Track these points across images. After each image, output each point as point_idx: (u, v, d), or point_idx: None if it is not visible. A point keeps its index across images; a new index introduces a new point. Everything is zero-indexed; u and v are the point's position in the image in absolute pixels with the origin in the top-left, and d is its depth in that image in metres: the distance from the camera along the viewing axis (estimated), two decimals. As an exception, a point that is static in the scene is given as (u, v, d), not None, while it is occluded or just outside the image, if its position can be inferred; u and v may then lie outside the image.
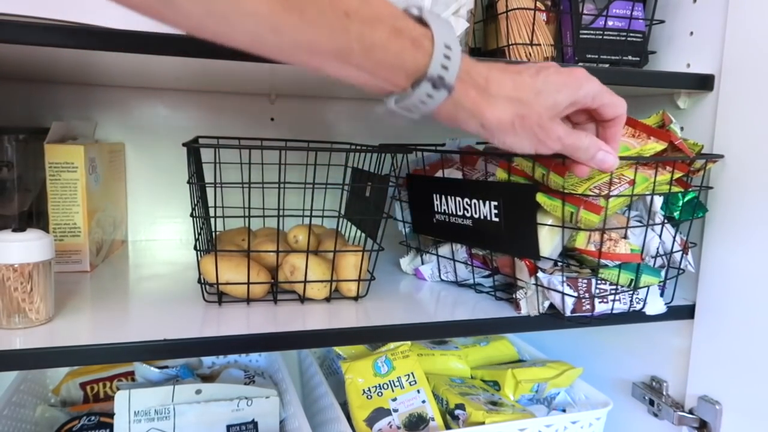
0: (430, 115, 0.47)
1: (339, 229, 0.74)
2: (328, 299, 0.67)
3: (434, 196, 0.73)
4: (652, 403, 0.78)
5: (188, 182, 0.64)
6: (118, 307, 0.62)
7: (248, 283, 0.63)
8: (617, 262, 0.63)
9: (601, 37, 0.75)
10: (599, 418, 0.75)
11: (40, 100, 0.90)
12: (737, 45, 0.66)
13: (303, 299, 0.66)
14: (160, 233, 0.99)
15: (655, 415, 0.78)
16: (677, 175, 0.64)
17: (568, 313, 0.63)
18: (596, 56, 0.75)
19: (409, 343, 0.81)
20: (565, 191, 0.59)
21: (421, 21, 0.45)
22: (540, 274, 0.64)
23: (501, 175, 0.66)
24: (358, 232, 0.77)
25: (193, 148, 0.66)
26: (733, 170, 0.67)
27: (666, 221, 0.67)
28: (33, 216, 0.80)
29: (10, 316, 0.54)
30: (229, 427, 0.76)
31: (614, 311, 0.65)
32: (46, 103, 0.90)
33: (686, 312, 0.73)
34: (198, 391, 0.76)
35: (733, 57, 0.67)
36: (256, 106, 1.00)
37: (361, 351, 0.87)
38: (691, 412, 0.73)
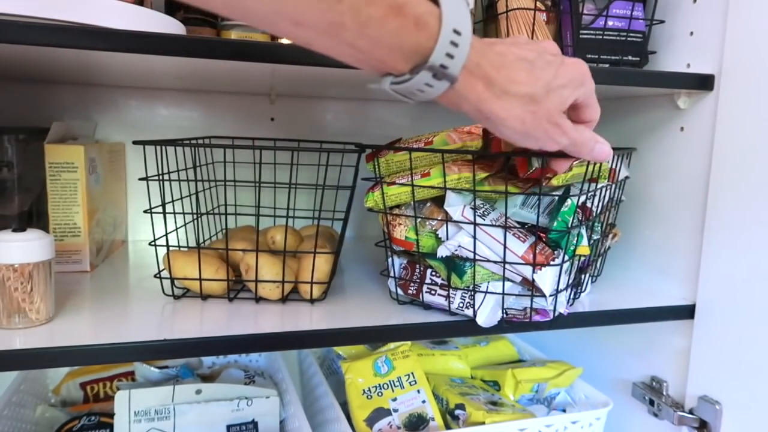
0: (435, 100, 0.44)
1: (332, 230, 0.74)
2: (283, 300, 0.66)
3: None
4: (652, 403, 0.78)
5: (142, 179, 0.64)
6: (118, 307, 0.62)
7: (200, 279, 0.63)
8: (402, 248, 0.63)
9: (601, 37, 0.75)
10: (599, 418, 0.75)
11: (40, 100, 0.90)
12: (737, 45, 0.66)
13: (257, 299, 0.66)
14: (160, 233, 0.98)
15: (655, 415, 0.78)
16: (482, 175, 0.60)
17: (397, 291, 0.66)
18: (596, 56, 0.75)
19: (409, 343, 0.81)
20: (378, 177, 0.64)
21: None
22: (395, 257, 0.67)
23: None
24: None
25: (151, 146, 0.67)
26: (733, 170, 0.67)
27: (492, 225, 0.60)
28: (33, 216, 0.80)
29: (10, 316, 0.54)
30: (229, 427, 0.76)
31: (438, 305, 0.63)
32: (46, 103, 0.90)
33: (686, 312, 0.73)
34: (198, 391, 0.76)
35: (733, 57, 0.67)
36: (256, 106, 1.00)
37: (362, 351, 0.87)
38: (691, 412, 0.73)
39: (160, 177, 0.63)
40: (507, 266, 0.59)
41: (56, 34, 0.50)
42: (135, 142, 0.63)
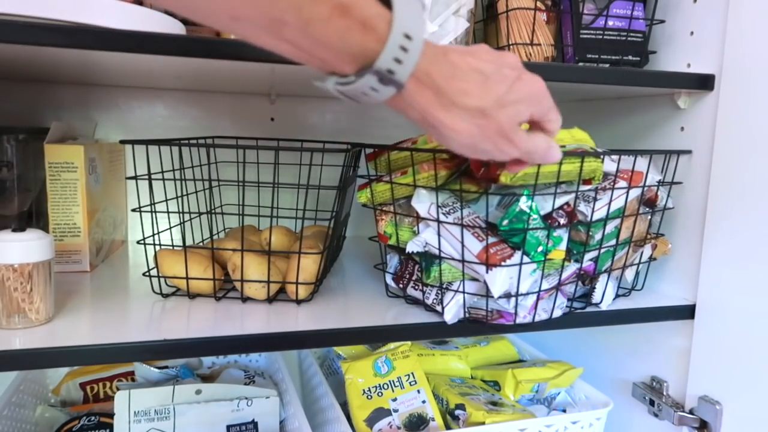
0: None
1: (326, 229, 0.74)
2: (269, 300, 0.66)
3: None
4: (652, 403, 0.78)
5: (131, 178, 0.65)
6: (118, 307, 0.62)
7: (187, 279, 0.64)
8: (383, 242, 0.66)
9: (601, 37, 0.75)
10: (599, 418, 0.75)
11: (40, 100, 0.90)
12: (737, 45, 0.66)
13: (243, 298, 0.66)
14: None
15: (656, 416, 0.78)
16: (443, 173, 0.60)
17: (390, 284, 0.68)
18: (596, 56, 0.75)
19: (409, 343, 0.81)
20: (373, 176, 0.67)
21: None
22: (392, 253, 0.69)
23: None
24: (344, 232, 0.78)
25: (152, 146, 0.67)
26: (733, 170, 0.67)
27: (454, 223, 0.60)
28: (33, 216, 0.80)
29: (10, 316, 0.54)
30: (229, 427, 0.76)
31: (415, 296, 0.65)
32: (46, 103, 0.90)
33: (686, 312, 0.72)
34: (198, 391, 0.76)
35: (733, 57, 0.67)
36: (256, 106, 1.00)
37: (362, 351, 0.87)
38: (691, 412, 0.73)
39: (149, 176, 0.63)
40: (466, 265, 0.59)
41: (56, 34, 0.50)
42: (122, 142, 0.64)
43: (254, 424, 0.77)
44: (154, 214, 0.65)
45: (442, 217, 0.59)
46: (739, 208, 0.66)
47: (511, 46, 0.73)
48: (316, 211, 0.92)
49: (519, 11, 0.72)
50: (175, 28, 0.61)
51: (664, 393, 0.78)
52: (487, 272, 0.58)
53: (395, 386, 0.76)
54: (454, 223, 0.59)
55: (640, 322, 0.71)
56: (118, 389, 0.74)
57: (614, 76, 0.68)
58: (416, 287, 0.65)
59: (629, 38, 0.75)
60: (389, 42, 0.37)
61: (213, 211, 0.74)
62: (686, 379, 0.74)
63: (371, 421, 0.73)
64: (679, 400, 0.75)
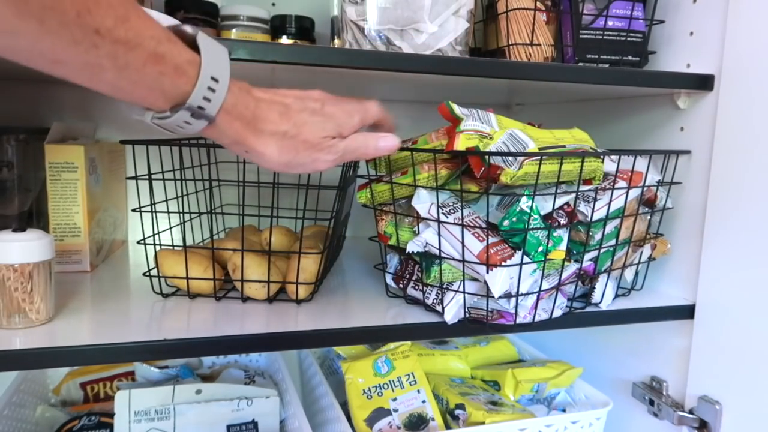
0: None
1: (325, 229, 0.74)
2: (269, 300, 0.66)
3: None
4: (652, 403, 0.78)
5: (131, 178, 0.65)
6: (118, 307, 0.62)
7: (187, 278, 0.64)
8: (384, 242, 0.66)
9: (601, 37, 0.75)
10: (599, 418, 0.75)
11: (41, 100, 0.90)
12: (737, 45, 0.67)
13: (244, 298, 0.66)
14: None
15: (655, 415, 0.78)
16: (444, 173, 0.61)
17: (390, 283, 0.69)
18: (596, 56, 0.75)
19: (409, 343, 0.81)
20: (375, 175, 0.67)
21: (194, 43, 0.43)
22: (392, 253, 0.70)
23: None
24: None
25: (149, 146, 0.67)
26: (732, 170, 0.67)
27: (454, 223, 0.60)
28: (33, 216, 0.80)
29: (10, 316, 0.54)
30: (229, 427, 0.76)
31: (414, 296, 0.66)
32: (46, 103, 0.90)
33: (686, 312, 0.73)
34: (198, 391, 0.76)
35: (733, 57, 0.67)
36: (256, 106, 1.00)
37: (362, 351, 0.87)
38: (691, 412, 0.73)
39: (149, 176, 0.63)
40: (466, 265, 0.59)
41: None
42: (122, 142, 0.64)
43: (254, 424, 0.77)
44: (154, 214, 0.65)
45: (442, 217, 0.59)
46: (739, 208, 0.66)
47: (510, 47, 0.73)
48: (316, 211, 0.92)
49: (519, 11, 0.72)
50: (175, 28, 0.61)
51: (664, 393, 0.78)
52: (487, 272, 0.58)
53: (395, 386, 0.76)
54: (455, 223, 0.59)
55: (639, 322, 0.71)
56: (118, 389, 0.74)
57: (614, 76, 0.68)
58: (416, 287, 0.65)
59: (629, 38, 0.75)
60: (198, 84, 0.43)
61: (213, 211, 0.74)
62: (686, 379, 0.74)
63: (371, 421, 0.73)
64: (679, 400, 0.75)
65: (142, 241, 0.66)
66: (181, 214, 0.68)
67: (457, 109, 0.60)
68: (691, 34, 0.75)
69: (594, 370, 0.91)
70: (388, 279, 0.69)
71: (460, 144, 0.57)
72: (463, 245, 0.58)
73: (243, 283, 0.64)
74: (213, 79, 0.43)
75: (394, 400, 0.75)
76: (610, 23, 0.75)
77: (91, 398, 0.86)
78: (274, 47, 0.56)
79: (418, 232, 0.62)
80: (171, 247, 0.67)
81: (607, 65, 0.76)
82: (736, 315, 0.67)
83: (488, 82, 0.73)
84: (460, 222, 0.59)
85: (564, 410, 0.80)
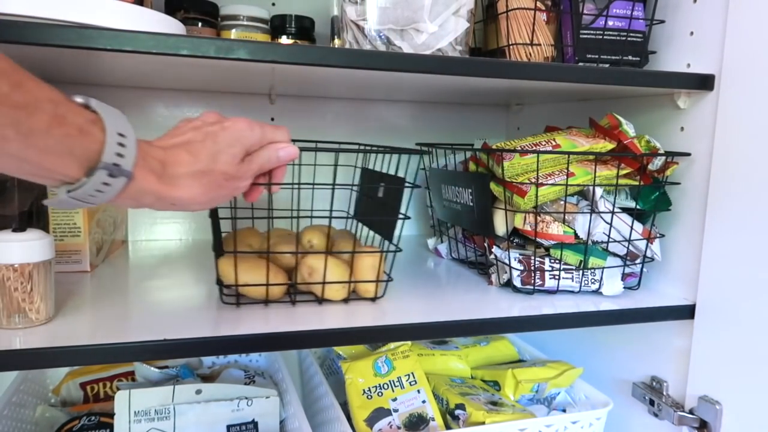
0: (113, 201, 0.45)
1: (348, 230, 0.74)
2: (346, 300, 0.67)
3: (441, 185, 0.86)
4: (652, 403, 0.78)
5: None
6: (118, 307, 0.62)
7: (267, 285, 0.63)
8: (554, 242, 0.71)
9: (601, 37, 0.75)
10: (599, 418, 0.75)
11: (40, 100, 0.90)
12: (737, 45, 0.66)
13: (321, 300, 0.66)
14: (160, 233, 0.99)
15: (656, 415, 0.78)
16: (625, 170, 0.72)
17: (518, 285, 0.72)
18: (596, 56, 0.75)
19: (409, 343, 0.81)
20: (507, 179, 0.70)
21: (88, 108, 0.43)
22: (495, 249, 0.74)
23: (472, 167, 0.80)
24: (370, 232, 0.77)
25: None
26: (732, 170, 0.67)
27: (622, 212, 0.72)
28: (33, 216, 0.80)
29: (10, 316, 0.54)
30: (229, 427, 0.76)
31: (565, 288, 0.72)
32: (46, 103, 0.90)
33: (686, 312, 0.73)
34: (198, 391, 0.76)
35: (733, 57, 0.67)
36: (256, 106, 1.00)
37: (361, 351, 0.87)
38: (691, 412, 0.73)
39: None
40: (626, 244, 0.72)
41: (57, 34, 0.50)
42: None
43: (254, 424, 0.77)
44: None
45: (611, 208, 0.70)
46: (739, 208, 0.66)
47: (511, 47, 0.73)
48: (330, 210, 0.91)
49: (519, 11, 0.72)
50: (175, 28, 0.61)
51: (664, 393, 0.78)
52: (647, 246, 0.73)
53: (395, 386, 0.76)
54: (622, 212, 0.71)
55: (640, 322, 0.71)
56: (118, 389, 0.74)
57: (614, 76, 0.68)
58: (554, 276, 0.71)
59: (629, 38, 0.75)
60: (107, 139, 0.42)
61: (213, 211, 0.73)
62: (686, 379, 0.74)
63: (371, 421, 0.73)
64: (679, 400, 0.75)
65: (215, 250, 0.65)
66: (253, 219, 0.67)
67: (621, 119, 0.74)
68: (692, 33, 0.75)
69: (594, 370, 0.91)
70: (516, 282, 0.71)
71: (642, 147, 0.72)
72: (632, 228, 0.71)
73: (324, 286, 0.64)
74: (120, 134, 0.43)
75: (394, 400, 0.75)
76: (610, 23, 0.75)
77: (91, 398, 0.86)
78: (274, 47, 0.56)
79: (590, 227, 0.70)
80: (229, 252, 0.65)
81: (607, 65, 0.76)
82: (736, 315, 0.67)
83: (488, 82, 0.74)
84: (616, 210, 0.70)
85: (564, 410, 0.80)
